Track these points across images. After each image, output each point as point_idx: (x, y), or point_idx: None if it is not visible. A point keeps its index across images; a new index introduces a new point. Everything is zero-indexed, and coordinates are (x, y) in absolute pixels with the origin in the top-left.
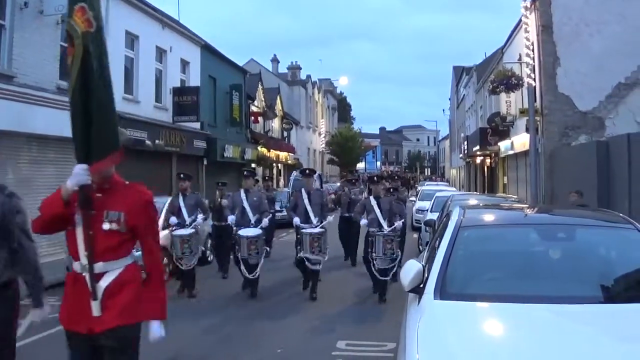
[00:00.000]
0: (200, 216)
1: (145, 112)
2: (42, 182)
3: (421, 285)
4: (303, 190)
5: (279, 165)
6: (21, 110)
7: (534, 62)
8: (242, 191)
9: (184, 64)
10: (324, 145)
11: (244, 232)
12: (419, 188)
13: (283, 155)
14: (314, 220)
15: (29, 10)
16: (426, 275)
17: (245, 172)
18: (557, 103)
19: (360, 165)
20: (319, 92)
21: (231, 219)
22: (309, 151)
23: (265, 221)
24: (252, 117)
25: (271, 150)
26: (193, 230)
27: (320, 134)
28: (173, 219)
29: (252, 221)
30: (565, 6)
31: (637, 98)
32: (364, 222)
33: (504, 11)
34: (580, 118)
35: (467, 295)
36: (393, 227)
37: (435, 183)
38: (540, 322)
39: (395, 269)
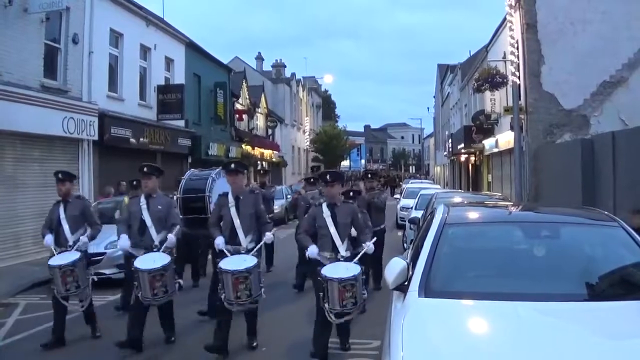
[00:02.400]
0: (83, 237)
1: (130, 110)
2: (27, 180)
3: (405, 283)
4: (230, 194)
5: (264, 163)
6: (5, 108)
7: (518, 60)
8: (142, 197)
9: (169, 62)
10: (308, 143)
11: (142, 262)
12: (403, 186)
13: (267, 153)
14: (244, 240)
15: (13, 8)
16: (411, 272)
17: (144, 169)
18: (541, 101)
19: (345, 164)
20: (303, 90)
21: (123, 242)
22: (294, 149)
23: (170, 238)
24: (237, 115)
25: (255, 148)
26: (77, 256)
27: (304, 132)
28: (48, 239)
29: (156, 242)
30: (550, 4)
31: (621, 96)
32: (312, 250)
33: (488, 9)
34: (565, 116)
35: (452, 293)
36: (357, 253)
37: (420, 181)
38: (524, 320)
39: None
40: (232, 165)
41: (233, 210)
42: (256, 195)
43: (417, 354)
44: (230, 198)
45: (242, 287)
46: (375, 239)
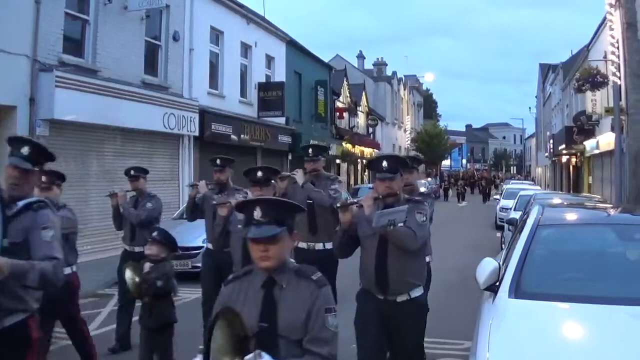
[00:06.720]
0: None
1: (230, 107)
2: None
3: (497, 284)
4: None
5: (364, 161)
6: (105, 104)
7: (619, 59)
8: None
9: (269, 60)
10: (409, 142)
11: None
12: (503, 186)
13: (368, 151)
14: None
15: (112, 5)
16: (502, 273)
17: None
18: None
19: (446, 163)
20: (404, 89)
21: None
22: (394, 147)
23: None
24: (338, 113)
25: (356, 146)
26: None
27: (405, 131)
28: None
29: None
30: None
31: None
32: None
33: (588, 8)
34: None
35: (542, 295)
36: None
37: (520, 182)
38: (615, 325)
39: None
40: None
41: None
42: (35, 214)
43: (503, 355)
44: None
45: None
46: None
